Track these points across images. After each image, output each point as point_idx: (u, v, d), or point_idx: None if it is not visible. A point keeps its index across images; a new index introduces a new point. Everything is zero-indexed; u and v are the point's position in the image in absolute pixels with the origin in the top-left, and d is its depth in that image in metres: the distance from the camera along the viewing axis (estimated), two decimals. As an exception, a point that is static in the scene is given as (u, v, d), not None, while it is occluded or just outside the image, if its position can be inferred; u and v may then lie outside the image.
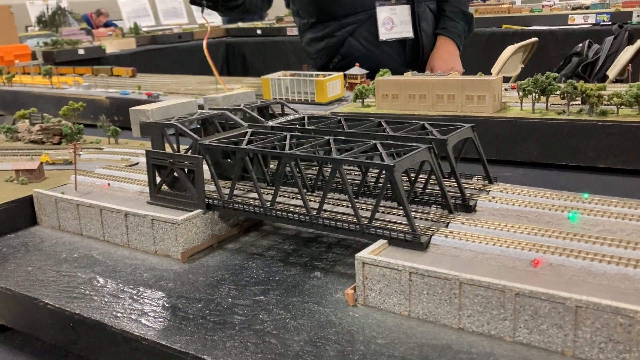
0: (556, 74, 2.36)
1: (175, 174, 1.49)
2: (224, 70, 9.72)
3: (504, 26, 8.42)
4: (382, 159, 1.24)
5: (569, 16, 8.16)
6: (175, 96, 3.38)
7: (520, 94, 2.36)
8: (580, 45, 6.07)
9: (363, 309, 1.13)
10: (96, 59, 8.01)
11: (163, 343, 1.06)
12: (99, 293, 1.26)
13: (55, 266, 1.40)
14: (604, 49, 5.87)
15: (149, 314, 1.16)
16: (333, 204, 1.41)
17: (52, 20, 8.52)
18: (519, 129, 2.31)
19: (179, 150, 1.52)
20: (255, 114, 1.67)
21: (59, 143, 2.25)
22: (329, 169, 1.32)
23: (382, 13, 3.49)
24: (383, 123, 1.58)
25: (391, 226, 1.22)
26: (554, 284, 0.98)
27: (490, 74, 6.25)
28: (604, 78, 5.66)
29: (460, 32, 3.69)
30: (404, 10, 3.52)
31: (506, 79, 6.41)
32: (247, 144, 1.42)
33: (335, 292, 1.20)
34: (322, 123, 1.62)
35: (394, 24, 3.52)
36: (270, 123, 1.63)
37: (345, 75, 3.18)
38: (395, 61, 3.47)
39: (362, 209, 1.34)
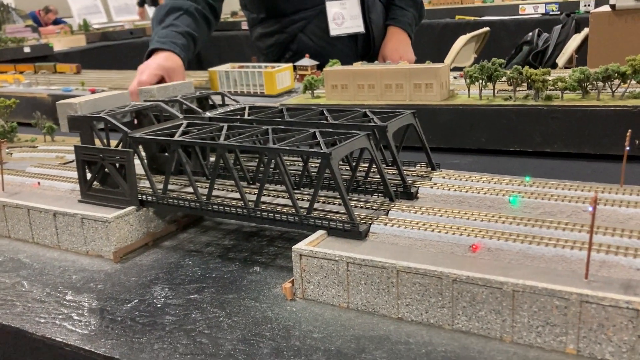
0: (502, 60, 2.36)
1: (106, 169, 1.42)
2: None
3: (457, 17, 8.51)
4: (321, 148, 1.19)
5: (520, 6, 8.29)
6: (117, 91, 3.27)
7: (467, 81, 2.35)
8: (530, 34, 6.16)
9: (301, 302, 1.09)
10: (43, 57, 7.76)
11: (87, 348, 0.99)
12: (22, 298, 1.18)
13: (-24, 271, 1.32)
14: (552, 37, 5.97)
15: (74, 317, 1.09)
16: (273, 196, 1.36)
17: (-6, 18, 8.20)
18: (467, 116, 2.30)
19: (109, 145, 1.45)
20: (193, 106, 1.61)
21: (-8, 142, 2.13)
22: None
23: (332, 8, 3.46)
24: (325, 112, 1.54)
25: (330, 216, 1.18)
26: (491, 269, 0.95)
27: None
28: (553, 66, 5.76)
29: (410, 20, 3.68)
30: (354, 4, 3.48)
31: (459, 69, 6.47)
32: (182, 136, 1.36)
33: (274, 286, 1.16)
34: (263, 113, 1.57)
35: (344, 19, 3.49)
36: (208, 114, 1.57)
37: (295, 67, 3.13)
38: (348, 55, 3.42)
39: (303, 199, 1.29)
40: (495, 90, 2.33)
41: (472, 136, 2.30)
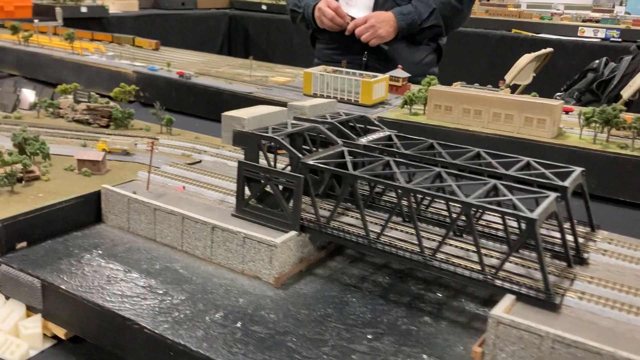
0: (623, 107, 2.31)
1: (269, 189, 1.40)
2: (224, 45, 9.50)
3: (513, 30, 8.40)
4: (513, 205, 1.17)
5: (580, 28, 8.16)
6: (207, 78, 3.25)
7: (582, 122, 2.31)
8: (597, 61, 6.08)
9: (490, 368, 1.07)
10: (98, 19, 7.77)
11: (289, 392, 0.98)
12: (198, 319, 1.17)
13: (139, 279, 1.31)
14: (621, 68, 5.88)
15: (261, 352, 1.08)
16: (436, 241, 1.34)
17: (54, -27, 8.16)
18: (578, 159, 2.26)
19: (275, 165, 1.43)
20: (347, 130, 1.58)
21: (107, 126, 2.13)
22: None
23: None
24: (483, 154, 1.51)
25: (516, 278, 1.16)
26: None
27: (503, 80, 6.21)
28: (617, 97, 5.68)
29: (407, 11, 3.62)
30: None
31: (516, 87, 6.40)
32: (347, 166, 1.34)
33: (454, 344, 1.14)
34: (416, 147, 1.55)
35: (356, 2, 3.63)
36: (363, 141, 1.55)
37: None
38: (348, 38, 3.57)
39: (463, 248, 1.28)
40: (609, 135, 2.29)
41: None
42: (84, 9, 7.42)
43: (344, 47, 3.70)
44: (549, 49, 6.33)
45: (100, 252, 1.42)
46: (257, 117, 1.46)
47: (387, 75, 3.01)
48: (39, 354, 1.28)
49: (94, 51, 3.76)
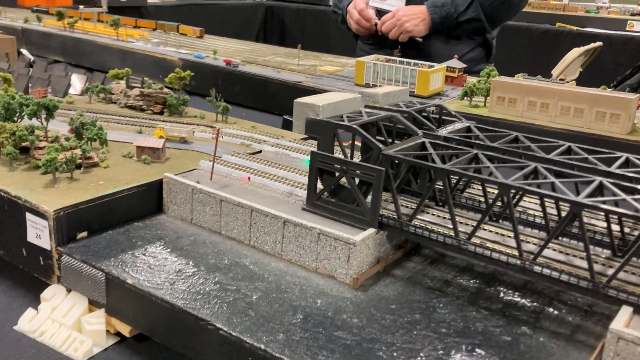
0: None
1: (344, 183, 1.30)
2: (260, 36, 9.43)
3: (557, 24, 8.16)
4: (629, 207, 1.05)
5: (628, 22, 7.89)
6: (254, 66, 3.17)
7: (661, 118, 2.16)
8: (651, 57, 5.84)
9: (606, 388, 0.96)
10: (137, 8, 7.79)
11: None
12: (277, 322, 1.08)
13: (209, 275, 1.22)
14: (676, 64, 5.64)
15: (352, 362, 0.98)
16: (533, 243, 1.23)
17: (94, -39, 8.19)
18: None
19: (352, 156, 1.33)
20: (427, 121, 1.47)
21: (161, 113, 2.05)
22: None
23: None
24: (576, 149, 1.38)
25: (630, 288, 1.04)
26: None
27: (551, 75, 6.03)
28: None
29: (442, 3, 3.35)
30: None
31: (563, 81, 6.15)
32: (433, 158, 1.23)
33: (562, 359, 1.03)
34: (500, 140, 1.43)
35: None
36: (443, 132, 1.43)
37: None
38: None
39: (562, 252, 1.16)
40: (690, 133, 2.14)
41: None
42: (123, -2, 7.43)
43: (379, 41, 3.55)
44: (599, 43, 6.11)
45: (164, 244, 1.34)
46: (331, 105, 1.36)
47: (443, 65, 2.88)
48: (102, 352, 1.20)
49: (139, 38, 3.70)
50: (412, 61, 2.85)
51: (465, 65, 3.04)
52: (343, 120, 1.32)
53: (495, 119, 2.39)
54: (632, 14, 8.33)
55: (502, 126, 2.36)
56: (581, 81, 6.47)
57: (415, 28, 3.34)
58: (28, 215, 1.32)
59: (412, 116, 1.47)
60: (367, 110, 1.44)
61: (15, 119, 1.58)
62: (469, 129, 1.52)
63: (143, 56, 3.41)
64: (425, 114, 1.59)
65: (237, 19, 8.89)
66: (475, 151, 1.28)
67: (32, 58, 2.84)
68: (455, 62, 3.03)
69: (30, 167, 1.50)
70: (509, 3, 3.43)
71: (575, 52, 5.88)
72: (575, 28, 7.81)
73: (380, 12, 3.44)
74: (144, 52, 3.41)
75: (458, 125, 1.53)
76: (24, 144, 1.52)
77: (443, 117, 1.61)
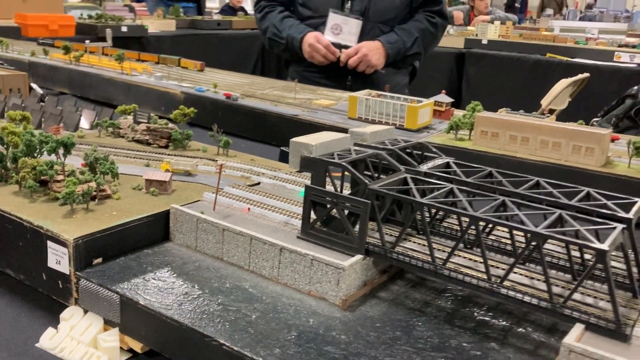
0: (670, 137, 2.32)
1: (335, 214, 1.45)
2: (258, 65, 9.65)
3: (548, 55, 8.40)
4: (583, 237, 1.20)
5: (615, 53, 8.12)
6: (252, 100, 3.34)
7: (632, 151, 2.33)
8: (636, 88, 6.04)
9: (561, 395, 1.10)
10: (137, 38, 8.00)
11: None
12: (274, 338, 1.22)
13: (212, 297, 1.36)
14: (660, 95, 5.84)
15: (339, 373, 1.12)
16: (501, 269, 1.37)
17: (97, -7, 8.46)
18: (627, 188, 2.26)
19: (342, 190, 1.48)
20: (405, 156, 1.63)
21: (166, 146, 2.21)
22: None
23: (334, 20, 3.95)
24: (543, 183, 1.53)
25: (584, 308, 1.19)
26: None
27: (540, 105, 6.21)
28: (657, 124, 5.65)
29: (394, 40, 3.96)
30: (354, 24, 3.94)
31: (552, 112, 6.37)
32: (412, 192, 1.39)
33: (523, 370, 1.17)
34: (476, 175, 1.58)
35: (341, 31, 3.94)
36: (423, 168, 1.59)
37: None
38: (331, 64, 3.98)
39: (532, 277, 1.31)
40: (658, 165, 2.30)
41: (630, 209, 2.27)
42: (124, 29, 7.65)
43: (327, 71, 4.03)
44: (586, 74, 6.33)
45: (171, 269, 1.48)
46: (324, 144, 1.52)
47: (431, 100, 3.06)
48: (116, 367, 1.34)
49: (142, 71, 3.88)
50: (401, 96, 3.03)
51: (452, 100, 3.22)
52: (334, 158, 1.48)
53: (478, 152, 2.55)
54: (619, 45, 8.58)
55: (485, 159, 2.53)
56: (570, 110, 6.68)
57: (378, 62, 3.93)
58: (49, 243, 1.46)
59: (396, 154, 1.63)
60: (356, 148, 1.60)
61: (35, 154, 1.73)
62: (448, 165, 1.67)
63: (147, 89, 3.59)
64: (408, 151, 1.75)
65: (235, 49, 9.13)
66: (451, 186, 1.43)
67: (42, 92, 3.00)
68: (442, 97, 3.21)
69: (49, 199, 1.64)
70: (437, 39, 4.21)
71: (563, 83, 6.10)
72: (565, 59, 8.05)
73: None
74: (148, 86, 3.59)
75: (438, 161, 1.69)
76: (43, 177, 1.67)
77: (425, 154, 1.76)
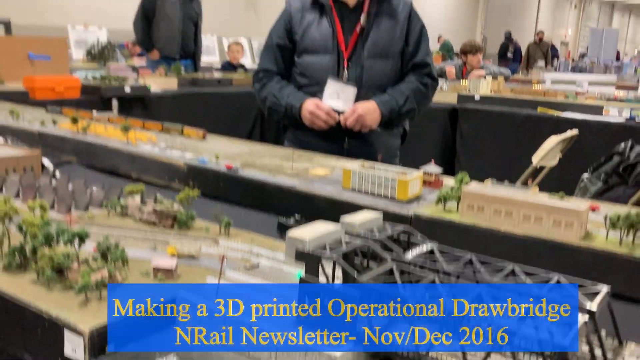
0: (645, 211, 2.48)
1: (330, 303, 1.59)
2: (257, 121, 9.87)
3: (539, 109, 8.65)
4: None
5: (604, 108, 8.36)
6: (252, 170, 3.50)
7: (608, 226, 2.48)
8: (623, 145, 6.26)
9: None
10: (141, 98, 8.22)
11: None
12: None
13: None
14: (646, 150, 6.05)
15: None
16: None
17: (100, 55, 8.78)
18: (605, 262, 2.41)
19: (334, 280, 1.63)
20: (391, 244, 1.78)
21: (172, 227, 2.36)
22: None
23: (332, 87, 4.24)
24: (517, 270, 1.68)
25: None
26: None
27: (531, 162, 6.39)
28: (646, 180, 5.83)
29: (386, 100, 4.23)
30: (350, 90, 4.23)
31: (542, 168, 6.55)
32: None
33: None
34: (457, 262, 1.73)
35: (339, 97, 4.23)
36: (409, 256, 1.74)
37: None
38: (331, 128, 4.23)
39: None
40: (635, 238, 2.44)
41: (608, 281, 2.40)
42: (127, 89, 7.90)
43: (325, 134, 4.27)
44: (575, 132, 6.55)
45: (178, 356, 1.62)
46: (316, 238, 1.67)
47: (420, 171, 3.23)
48: None
49: (147, 141, 4.06)
50: (392, 167, 3.21)
51: (441, 169, 3.40)
52: (326, 251, 1.63)
53: (466, 225, 2.70)
54: (608, 99, 8.85)
55: (472, 232, 2.68)
56: (562, 166, 6.85)
57: (373, 123, 4.18)
58: (66, 333, 1.60)
59: (383, 243, 1.78)
60: (347, 240, 1.75)
61: (52, 244, 1.88)
62: (432, 251, 1.82)
63: (151, 160, 3.76)
64: (395, 238, 1.90)
65: (236, 106, 9.39)
66: (433, 276, 1.58)
67: (53, 167, 3.17)
68: (432, 167, 3.39)
69: (65, 287, 1.79)
70: (427, 98, 4.47)
71: (553, 140, 6.31)
72: (556, 114, 8.30)
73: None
74: (152, 157, 3.76)
75: (423, 248, 1.84)
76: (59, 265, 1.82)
77: (410, 241, 1.92)
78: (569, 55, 20.10)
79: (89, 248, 2.03)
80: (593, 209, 2.97)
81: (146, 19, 10.11)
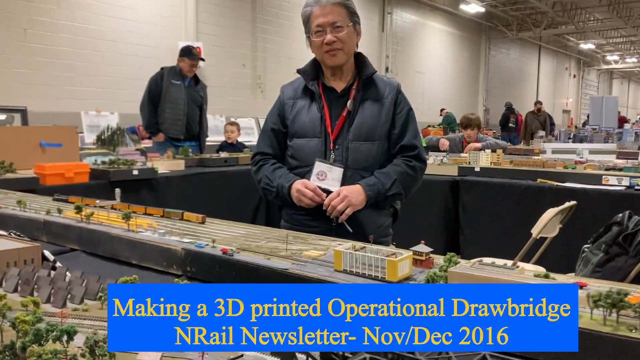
0: (627, 291, 2.51)
1: (302, 395, 1.64)
2: (262, 205, 10.00)
3: (538, 180, 8.74)
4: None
5: (603, 177, 8.43)
6: (247, 254, 3.58)
7: (591, 304, 2.51)
8: (621, 215, 6.30)
9: None
10: (148, 180, 8.40)
11: None
12: None
13: None
14: (645, 219, 6.08)
15: None
16: None
17: (110, 140, 9.06)
18: (590, 341, 2.43)
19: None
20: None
21: (161, 318, 2.42)
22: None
23: (319, 167, 4.41)
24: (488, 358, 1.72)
25: None
26: None
27: (531, 233, 6.43)
28: (646, 249, 5.84)
29: (373, 182, 4.37)
30: (337, 171, 4.39)
31: (544, 240, 6.58)
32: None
33: None
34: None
35: (326, 177, 4.37)
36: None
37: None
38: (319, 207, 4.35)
39: None
40: (619, 316, 2.47)
41: (594, 360, 2.42)
42: (135, 172, 8.11)
43: (315, 214, 4.39)
44: (573, 202, 6.62)
45: None
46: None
47: (410, 252, 3.30)
48: None
49: (147, 227, 4.18)
50: (384, 248, 3.28)
51: (431, 249, 3.46)
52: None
53: (453, 306, 2.74)
54: (607, 169, 8.94)
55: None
56: (564, 235, 6.86)
57: (359, 204, 4.30)
58: None
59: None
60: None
61: (42, 342, 1.95)
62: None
63: (150, 246, 3.86)
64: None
65: (242, 184, 9.57)
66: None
67: (52, 258, 3.28)
68: (422, 247, 3.46)
69: (52, 384, 1.84)
70: (416, 181, 4.55)
71: (551, 212, 6.38)
72: (555, 184, 8.39)
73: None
74: (151, 243, 3.86)
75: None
76: (47, 362, 1.88)
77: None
78: (571, 122, 20.41)
79: (80, 342, 2.10)
80: (581, 286, 3.01)
81: (152, 103, 10.51)
